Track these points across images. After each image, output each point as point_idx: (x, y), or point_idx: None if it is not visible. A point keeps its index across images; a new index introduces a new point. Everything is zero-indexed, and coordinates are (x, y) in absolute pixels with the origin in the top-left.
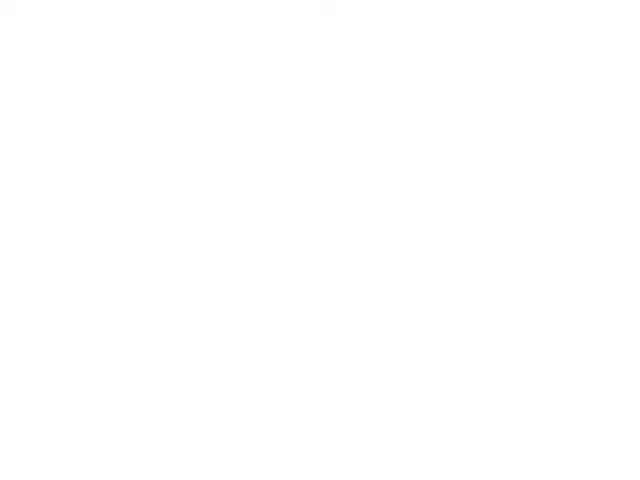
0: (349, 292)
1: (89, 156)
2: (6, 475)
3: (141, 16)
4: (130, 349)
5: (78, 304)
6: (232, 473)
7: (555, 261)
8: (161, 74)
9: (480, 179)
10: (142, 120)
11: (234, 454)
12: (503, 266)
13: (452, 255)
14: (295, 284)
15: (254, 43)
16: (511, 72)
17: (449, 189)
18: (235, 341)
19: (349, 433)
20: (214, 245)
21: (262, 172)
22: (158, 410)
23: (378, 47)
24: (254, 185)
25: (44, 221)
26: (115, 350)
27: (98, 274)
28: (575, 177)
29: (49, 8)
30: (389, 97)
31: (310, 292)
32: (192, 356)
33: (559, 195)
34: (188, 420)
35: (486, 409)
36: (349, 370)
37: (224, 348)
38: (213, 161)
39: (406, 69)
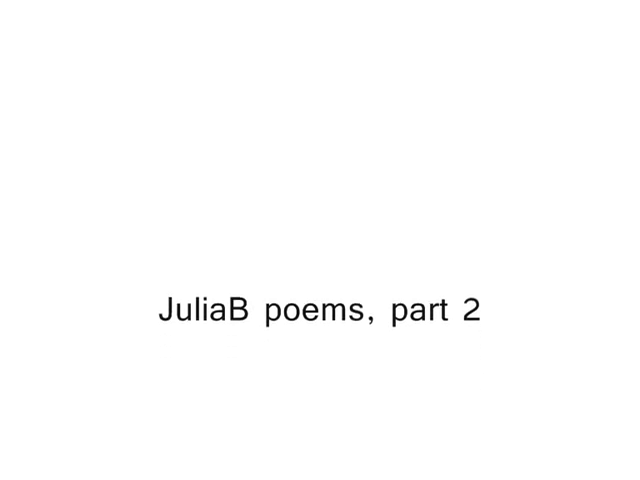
0: (349, 292)
1: (89, 155)
2: (6, 475)
3: (140, 14)
4: (128, 346)
5: (77, 303)
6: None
7: (556, 261)
8: (161, 74)
9: (482, 181)
10: (141, 119)
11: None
12: (507, 266)
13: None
14: (295, 284)
15: (252, 42)
16: (516, 74)
17: (451, 189)
18: (234, 339)
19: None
20: (213, 244)
21: (262, 172)
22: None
23: (378, 47)
24: (254, 185)
25: (43, 220)
26: (113, 348)
27: (97, 273)
28: (576, 177)
29: (49, 8)
30: (390, 98)
31: (310, 292)
32: (191, 354)
33: (560, 195)
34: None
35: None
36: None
37: (223, 346)
38: (212, 161)
39: (407, 70)
